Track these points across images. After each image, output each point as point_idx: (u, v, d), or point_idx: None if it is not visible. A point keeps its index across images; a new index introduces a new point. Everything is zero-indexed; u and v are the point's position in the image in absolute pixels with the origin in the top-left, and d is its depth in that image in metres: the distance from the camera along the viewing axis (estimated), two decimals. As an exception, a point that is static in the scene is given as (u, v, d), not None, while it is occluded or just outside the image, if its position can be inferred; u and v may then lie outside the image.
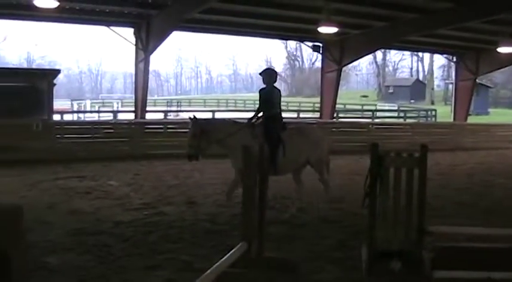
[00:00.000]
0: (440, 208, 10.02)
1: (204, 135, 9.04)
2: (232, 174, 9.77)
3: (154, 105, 55.97)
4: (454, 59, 30.29)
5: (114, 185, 12.41)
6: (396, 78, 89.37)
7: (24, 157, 15.04)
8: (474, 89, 30.29)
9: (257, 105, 9.69)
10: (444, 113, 42.46)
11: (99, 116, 33.78)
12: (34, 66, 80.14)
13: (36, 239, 7.35)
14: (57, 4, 15.16)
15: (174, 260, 6.78)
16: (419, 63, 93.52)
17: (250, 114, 9.75)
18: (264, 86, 9.63)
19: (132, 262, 6.69)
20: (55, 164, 14.87)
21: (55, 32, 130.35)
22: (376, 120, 33.81)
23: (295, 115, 33.87)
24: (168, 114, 31.64)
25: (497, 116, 50.33)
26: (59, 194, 11.16)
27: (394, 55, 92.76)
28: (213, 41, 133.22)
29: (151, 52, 20.53)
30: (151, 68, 21.72)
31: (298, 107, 53.81)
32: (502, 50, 21.20)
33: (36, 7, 15.51)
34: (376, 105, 60.05)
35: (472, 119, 33.23)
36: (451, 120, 29.87)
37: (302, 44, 31.09)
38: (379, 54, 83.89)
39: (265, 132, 9.20)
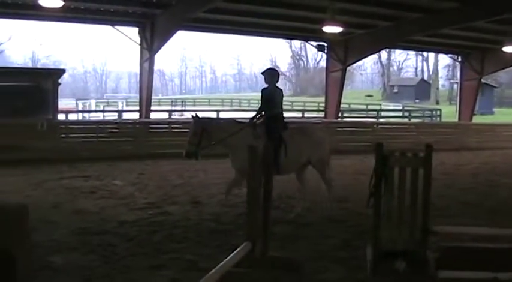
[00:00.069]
0: (445, 208, 9.99)
1: (205, 134, 8.97)
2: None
3: (159, 105, 55.98)
4: (459, 59, 30.23)
5: (119, 185, 12.42)
6: (401, 78, 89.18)
7: (29, 156, 15.06)
8: (479, 89, 30.21)
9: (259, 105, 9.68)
10: (449, 113, 42.35)
11: (103, 116, 33.85)
12: (39, 66, 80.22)
13: (40, 239, 7.35)
14: (62, 4, 15.18)
15: (179, 259, 6.79)
16: (424, 63, 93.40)
17: (253, 114, 9.72)
18: (265, 85, 9.60)
19: (137, 262, 6.70)
20: (60, 164, 14.89)
21: (60, 31, 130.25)
22: (381, 120, 33.79)
23: (299, 115, 33.84)
24: (173, 113, 31.64)
25: (502, 115, 50.19)
26: (63, 194, 11.17)
27: (398, 55, 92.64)
28: (218, 40, 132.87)
29: (156, 51, 20.53)
30: (156, 67, 21.72)
31: (302, 106, 53.72)
32: (507, 49, 21.17)
33: (41, 6, 15.52)
34: (380, 105, 59.96)
35: (477, 119, 33.18)
36: (456, 120, 29.80)
37: (307, 44, 31.20)
38: (383, 53, 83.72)
39: (266, 132, 9.15)
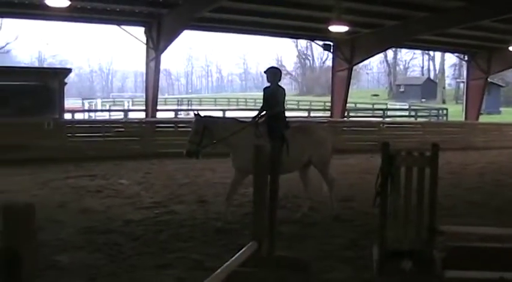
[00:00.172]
0: (452, 207, 9.98)
1: (207, 133, 8.83)
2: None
3: (165, 104, 56.03)
4: (466, 58, 30.15)
5: (125, 184, 12.45)
6: (407, 77, 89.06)
7: (35, 156, 15.10)
8: (486, 88, 30.13)
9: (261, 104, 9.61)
10: (455, 112, 42.27)
11: (110, 115, 33.88)
12: (45, 65, 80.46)
13: (47, 238, 7.38)
14: (68, 3, 15.21)
15: (185, 258, 6.79)
16: (431, 62, 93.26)
17: (256, 113, 9.64)
18: (268, 84, 9.52)
19: (143, 261, 6.71)
20: (66, 163, 14.93)
21: (66, 31, 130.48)
22: (387, 119, 33.74)
23: (305, 114, 33.83)
24: (179, 113, 31.68)
25: (509, 115, 50.06)
26: (70, 193, 11.20)
27: (405, 54, 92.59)
28: (224, 39, 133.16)
29: (162, 51, 20.55)
30: (162, 66, 21.73)
31: (309, 106, 53.69)
32: (514, 48, 21.10)
33: (47, 6, 15.55)
34: (387, 104, 59.88)
35: (483, 118, 33.10)
36: (463, 119, 29.75)
37: (313, 43, 31.09)
38: (390, 53, 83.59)
39: (268, 131, 9.06)
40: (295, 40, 78.94)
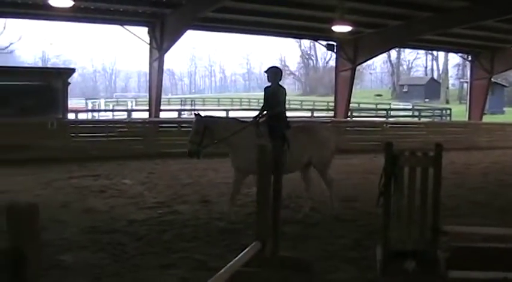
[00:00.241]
0: (455, 207, 9.97)
1: (208, 133, 8.81)
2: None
3: (169, 104, 56.05)
4: (469, 58, 30.11)
5: (129, 184, 12.46)
6: (410, 77, 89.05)
7: (38, 156, 15.12)
8: (489, 88, 30.12)
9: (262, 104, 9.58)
10: (459, 112, 42.23)
11: (113, 115, 33.90)
12: (49, 65, 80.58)
13: (51, 237, 7.39)
14: (72, 3, 15.23)
15: (188, 258, 6.79)
16: (434, 62, 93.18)
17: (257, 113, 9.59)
18: (268, 84, 9.47)
19: (146, 261, 6.71)
20: (69, 163, 14.95)
21: (70, 31, 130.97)
22: (391, 119, 33.72)
23: (309, 114, 33.82)
24: (182, 113, 31.69)
25: (513, 115, 50.01)
26: (73, 193, 11.21)
27: (408, 54, 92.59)
28: (227, 39, 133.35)
29: (166, 51, 20.57)
30: (165, 66, 21.77)
31: (312, 106, 53.71)
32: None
33: (51, 6, 15.58)
34: (390, 104, 59.89)
35: (487, 118, 33.05)
36: (466, 119, 29.71)
37: (316, 43, 31.08)
38: (393, 53, 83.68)
39: (269, 131, 9.03)
40: (298, 40, 79.09)
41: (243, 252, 5.09)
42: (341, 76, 25.40)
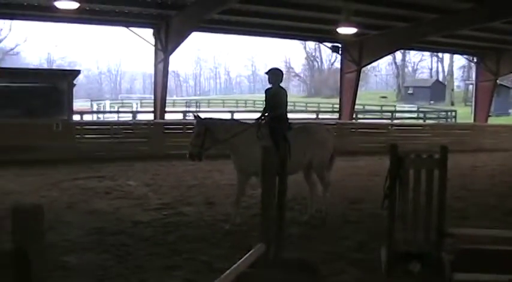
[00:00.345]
0: (461, 209, 9.94)
1: (209, 135, 8.74)
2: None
3: (173, 106, 56.07)
4: (475, 60, 30.07)
5: (133, 185, 12.46)
6: (416, 79, 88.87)
7: (44, 157, 15.15)
8: (495, 90, 30.02)
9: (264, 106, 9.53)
10: (464, 114, 42.15)
11: (118, 117, 33.92)
12: (54, 67, 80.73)
13: (55, 239, 7.40)
14: (77, 5, 15.25)
15: (193, 260, 6.80)
16: (439, 64, 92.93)
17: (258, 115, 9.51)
18: (269, 85, 9.39)
19: (151, 262, 6.71)
20: (75, 164, 14.97)
21: (75, 33, 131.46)
22: (396, 121, 33.65)
23: (314, 116, 33.80)
24: (187, 114, 31.68)
25: (518, 117, 49.88)
26: (78, 194, 11.22)
27: (413, 56, 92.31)
28: (232, 41, 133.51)
29: (171, 53, 20.58)
30: (170, 68, 21.76)
31: (317, 107, 53.66)
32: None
33: (56, 8, 15.61)
34: (395, 106, 59.74)
35: (492, 120, 32.97)
36: (472, 121, 29.64)
37: (321, 45, 31.06)
38: (398, 54, 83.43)
39: (270, 133, 8.96)
40: (303, 42, 79.10)
41: (248, 254, 5.09)
42: (346, 78, 25.38)
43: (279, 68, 9.74)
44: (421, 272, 5.98)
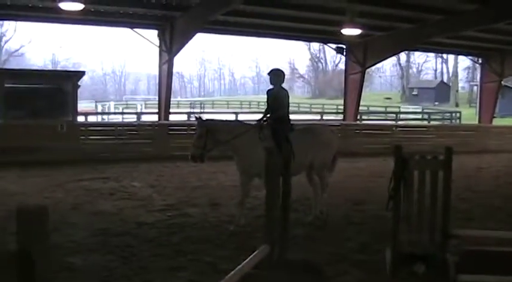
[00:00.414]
0: (466, 211, 9.92)
1: (210, 136, 8.71)
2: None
3: (178, 107, 56.18)
4: (479, 61, 29.99)
5: (138, 186, 12.47)
6: (420, 80, 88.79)
7: (48, 158, 15.17)
8: (499, 91, 29.93)
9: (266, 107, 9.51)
10: (469, 115, 42.08)
11: (123, 118, 34.01)
12: (59, 68, 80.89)
13: (60, 240, 7.41)
14: (82, 7, 15.26)
15: (198, 261, 6.80)
16: (444, 65, 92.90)
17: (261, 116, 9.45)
18: (271, 86, 9.39)
19: (156, 263, 6.72)
20: (79, 165, 14.99)
21: (79, 34, 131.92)
22: (400, 123, 33.59)
23: (318, 117, 33.78)
24: (192, 115, 31.69)
25: (523, 118, 49.73)
26: (83, 195, 11.23)
27: (418, 57, 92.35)
28: (237, 42, 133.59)
29: (175, 54, 20.58)
30: (174, 69, 21.74)
31: (321, 108, 53.65)
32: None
33: (61, 10, 15.61)
34: (399, 107, 59.66)
35: (497, 122, 32.89)
36: (476, 122, 29.57)
37: (325, 46, 31.05)
38: (403, 56, 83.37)
39: (272, 134, 8.94)
40: (307, 43, 79.21)
41: (252, 255, 5.09)
42: (350, 79, 25.35)
43: (281, 68, 9.71)
44: (425, 273, 5.98)
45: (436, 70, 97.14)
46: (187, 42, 20.11)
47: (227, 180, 13.26)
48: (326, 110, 50.81)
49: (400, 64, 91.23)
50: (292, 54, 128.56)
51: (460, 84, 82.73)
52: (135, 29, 20.75)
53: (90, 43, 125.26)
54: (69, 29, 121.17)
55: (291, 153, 8.40)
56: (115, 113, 40.99)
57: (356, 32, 18.28)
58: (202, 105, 60.27)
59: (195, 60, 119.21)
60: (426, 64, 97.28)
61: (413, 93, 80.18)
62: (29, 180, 12.64)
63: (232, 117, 25.52)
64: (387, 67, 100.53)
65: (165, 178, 13.72)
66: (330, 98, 79.89)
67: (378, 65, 61.46)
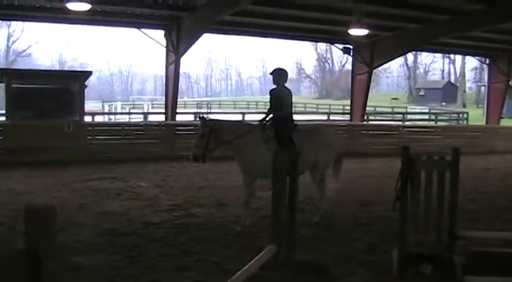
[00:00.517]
0: (473, 212, 9.89)
1: (213, 136, 8.64)
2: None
3: (185, 107, 56.24)
4: (487, 61, 29.91)
5: (145, 186, 12.49)
6: (427, 81, 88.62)
7: (55, 158, 15.22)
8: (507, 92, 29.82)
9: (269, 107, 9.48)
10: (476, 116, 41.95)
11: (129, 118, 34.06)
12: (66, 68, 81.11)
13: (67, 240, 7.42)
14: (89, 7, 15.29)
15: (204, 261, 6.80)
16: (451, 66, 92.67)
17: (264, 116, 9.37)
18: (274, 86, 9.32)
19: (162, 263, 6.73)
20: (86, 165, 15.02)
21: (86, 34, 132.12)
22: (407, 123, 33.51)
23: (325, 117, 33.76)
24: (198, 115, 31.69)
25: (531, 119, 49.53)
26: (90, 195, 11.25)
27: (425, 57, 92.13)
28: (243, 43, 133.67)
29: (182, 54, 20.61)
30: (181, 70, 21.76)
31: (328, 109, 53.60)
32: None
33: (68, 10, 15.65)
34: (406, 108, 59.55)
35: (504, 122, 32.77)
36: (484, 123, 29.48)
37: (332, 46, 31.00)
38: (410, 56, 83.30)
39: (275, 134, 8.90)
40: (314, 43, 79.24)
41: (258, 255, 5.09)
42: (357, 79, 25.32)
43: (283, 68, 9.67)
44: (432, 274, 5.96)
45: (443, 70, 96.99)
46: (194, 42, 20.12)
47: (233, 181, 13.22)
48: (333, 111, 50.73)
49: (407, 64, 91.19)
50: (299, 55, 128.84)
51: (468, 85, 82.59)
52: (142, 29, 20.78)
53: (97, 43, 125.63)
54: (76, 29, 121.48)
55: (298, 153, 8.38)
56: (122, 113, 41.07)
57: (363, 32, 18.26)
58: (209, 106, 60.34)
59: (201, 61, 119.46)
60: (433, 64, 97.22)
61: (421, 93, 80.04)
62: (36, 180, 12.68)
63: (239, 117, 25.51)
64: (394, 67, 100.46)
65: (172, 178, 13.74)
66: (337, 98, 79.89)
67: (385, 66, 61.40)
